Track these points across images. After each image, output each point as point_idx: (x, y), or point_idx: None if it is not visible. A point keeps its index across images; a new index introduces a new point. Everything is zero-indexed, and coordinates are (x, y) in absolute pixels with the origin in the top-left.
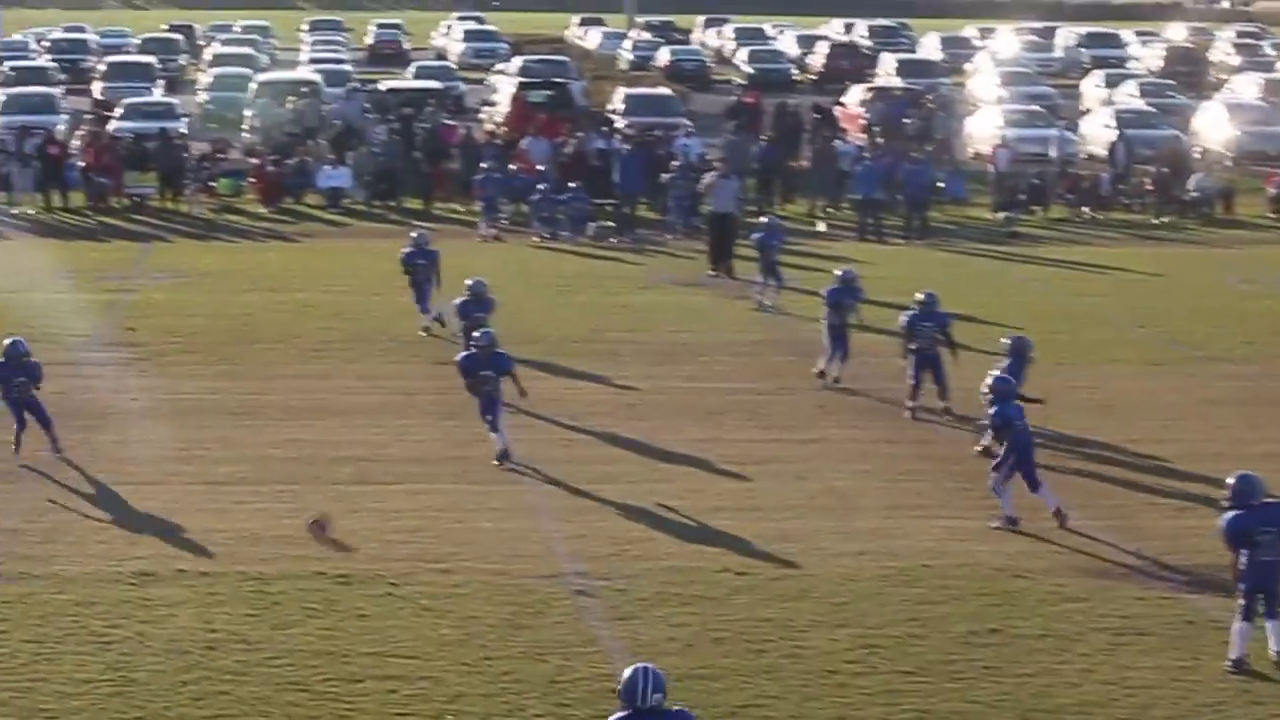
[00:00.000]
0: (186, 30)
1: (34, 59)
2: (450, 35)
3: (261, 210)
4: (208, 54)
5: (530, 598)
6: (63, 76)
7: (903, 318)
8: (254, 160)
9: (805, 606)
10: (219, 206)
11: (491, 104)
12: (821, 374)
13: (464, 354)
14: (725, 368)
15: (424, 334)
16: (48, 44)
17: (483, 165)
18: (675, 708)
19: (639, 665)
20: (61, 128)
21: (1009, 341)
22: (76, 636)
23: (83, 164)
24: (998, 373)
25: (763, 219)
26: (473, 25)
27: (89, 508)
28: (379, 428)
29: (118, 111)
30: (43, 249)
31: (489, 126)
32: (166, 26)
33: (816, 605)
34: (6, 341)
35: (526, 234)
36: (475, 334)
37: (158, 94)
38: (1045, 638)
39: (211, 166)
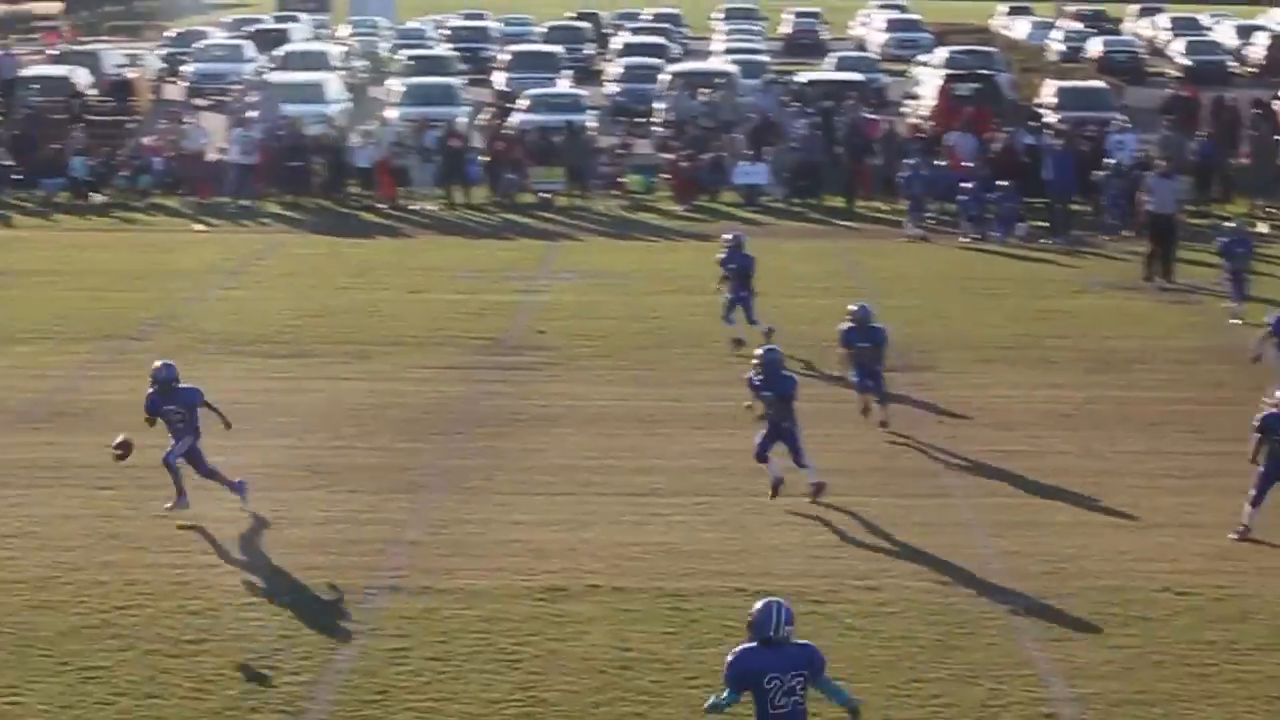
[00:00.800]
0: (592, 18)
1: (433, 47)
2: (870, 24)
3: (675, 208)
4: (615, 43)
5: (961, 617)
6: (463, 66)
7: None
8: (666, 156)
9: (1250, 629)
10: (630, 204)
11: (915, 97)
12: None
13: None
14: (1164, 376)
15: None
16: (447, 31)
17: (908, 162)
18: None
19: (771, 599)
20: (463, 120)
21: None
22: (484, 654)
23: (486, 158)
24: None
25: (1228, 223)
26: (895, 14)
27: (496, 519)
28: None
29: (521, 103)
30: (444, 247)
31: (913, 121)
32: (572, 14)
33: (1262, 628)
34: (156, 364)
35: (953, 234)
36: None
37: (563, 85)
38: None
39: (621, 162)
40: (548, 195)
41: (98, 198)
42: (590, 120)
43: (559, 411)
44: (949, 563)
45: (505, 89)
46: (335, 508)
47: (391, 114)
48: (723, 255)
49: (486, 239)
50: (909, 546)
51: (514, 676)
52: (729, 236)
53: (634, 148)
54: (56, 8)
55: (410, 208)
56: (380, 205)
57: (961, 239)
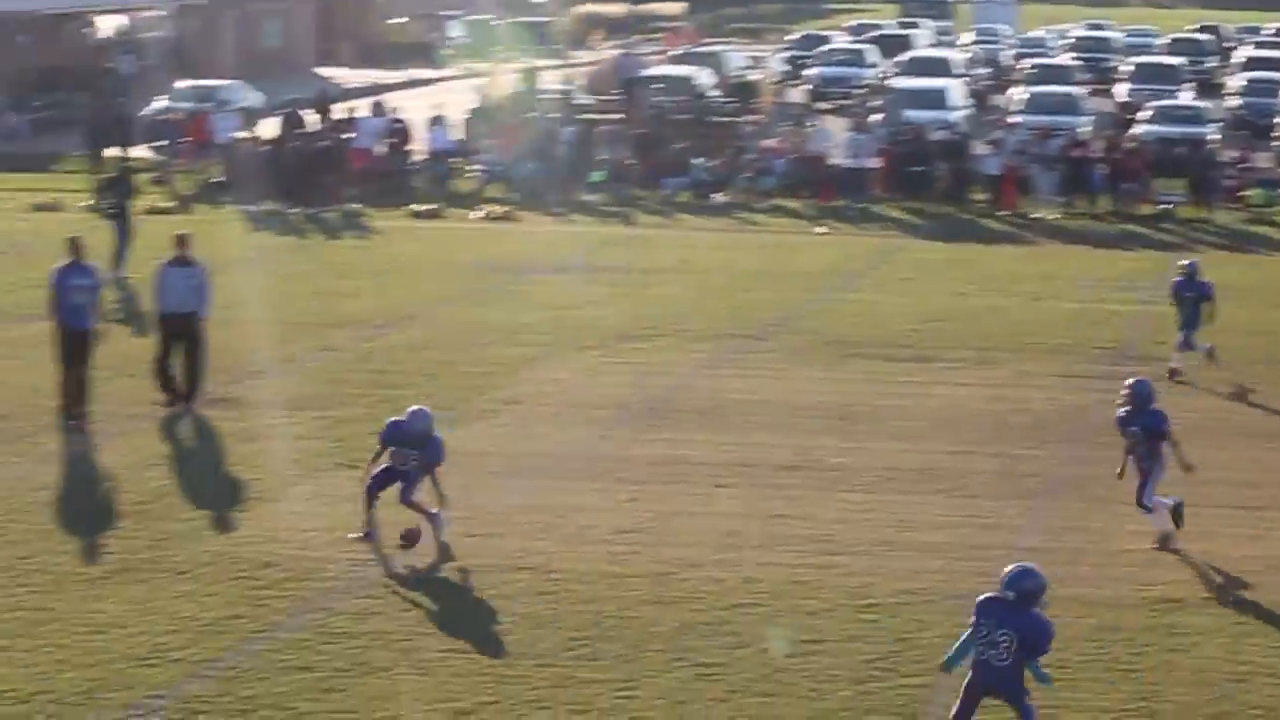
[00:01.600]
0: (1214, 30)
1: (1055, 56)
2: None
3: None
4: (1238, 56)
5: None
6: (1085, 76)
7: None
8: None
9: None
10: (1250, 217)
11: None
12: None
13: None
14: None
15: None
16: (1069, 41)
17: None
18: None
19: None
20: (1085, 129)
21: None
22: (1100, 662)
23: (1107, 168)
24: None
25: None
26: None
27: (1111, 530)
28: None
29: (1143, 114)
30: (1065, 256)
31: None
32: (1194, 27)
33: None
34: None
35: None
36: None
37: (1185, 97)
38: None
39: (1243, 174)
40: (1168, 206)
41: (719, 198)
42: (1212, 133)
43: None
44: None
45: (1127, 99)
46: (953, 513)
47: (1014, 121)
48: (1178, 279)
49: (1107, 248)
50: None
51: (1129, 687)
52: (1186, 263)
53: (1255, 161)
54: (679, 8)
55: (1032, 215)
56: (1002, 213)
57: None
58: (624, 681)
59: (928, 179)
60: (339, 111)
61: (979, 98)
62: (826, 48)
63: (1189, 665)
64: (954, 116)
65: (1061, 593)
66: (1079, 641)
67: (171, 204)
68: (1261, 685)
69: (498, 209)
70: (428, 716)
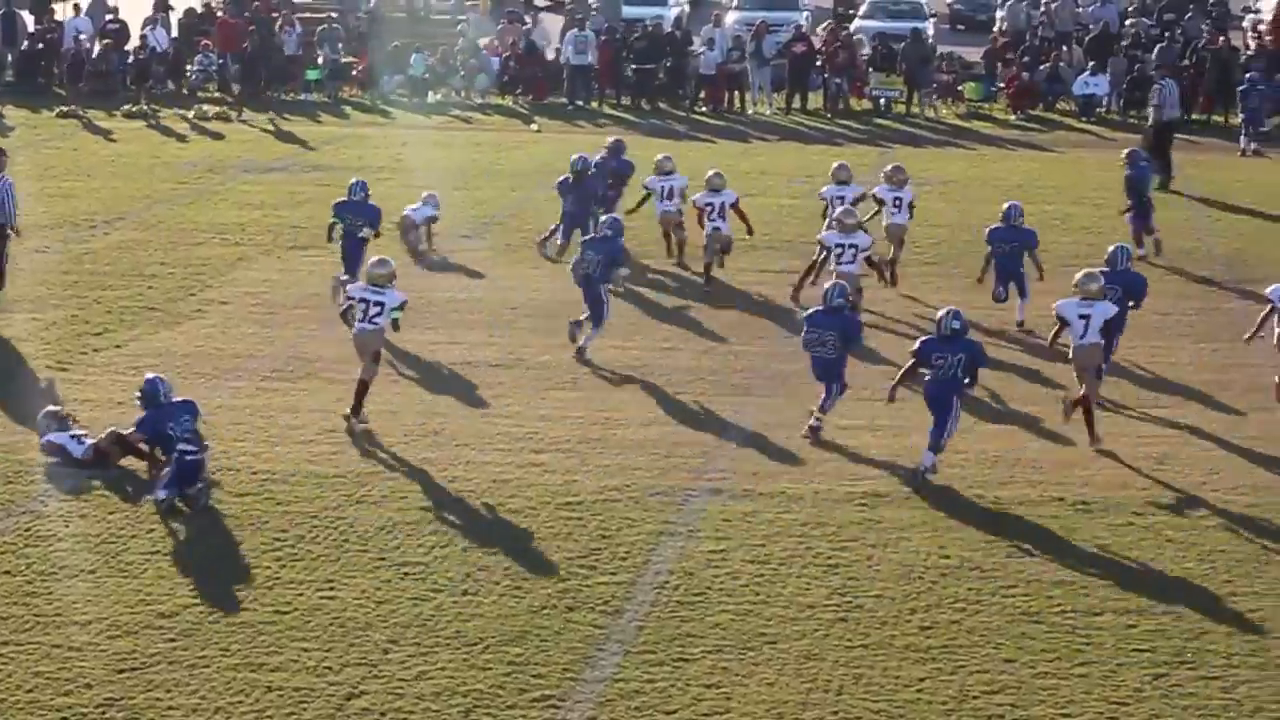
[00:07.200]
0: None
1: None
2: None
3: (1009, 117)
4: None
5: (1278, 533)
6: None
7: None
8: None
9: None
10: (965, 112)
11: (1255, 11)
12: None
13: None
14: None
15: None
16: None
17: (1248, 76)
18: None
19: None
20: (803, 24)
21: None
22: (802, 558)
23: (824, 65)
24: None
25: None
26: None
27: (828, 425)
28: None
29: (862, 9)
30: (781, 152)
31: (1252, 36)
32: None
33: None
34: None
35: None
36: None
37: None
38: None
39: (959, 70)
40: (885, 101)
41: (435, 96)
42: (930, 27)
43: (891, 318)
44: (1269, 479)
45: None
46: (659, 409)
47: (730, 18)
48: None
49: (821, 144)
50: (1235, 459)
51: (832, 581)
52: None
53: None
54: None
55: (750, 112)
56: (720, 110)
57: None
58: (325, 582)
59: (647, 77)
60: (59, 11)
61: None
62: None
63: (893, 559)
64: (671, 13)
65: (766, 488)
66: (783, 537)
67: None
68: (965, 577)
69: (213, 108)
70: (131, 618)
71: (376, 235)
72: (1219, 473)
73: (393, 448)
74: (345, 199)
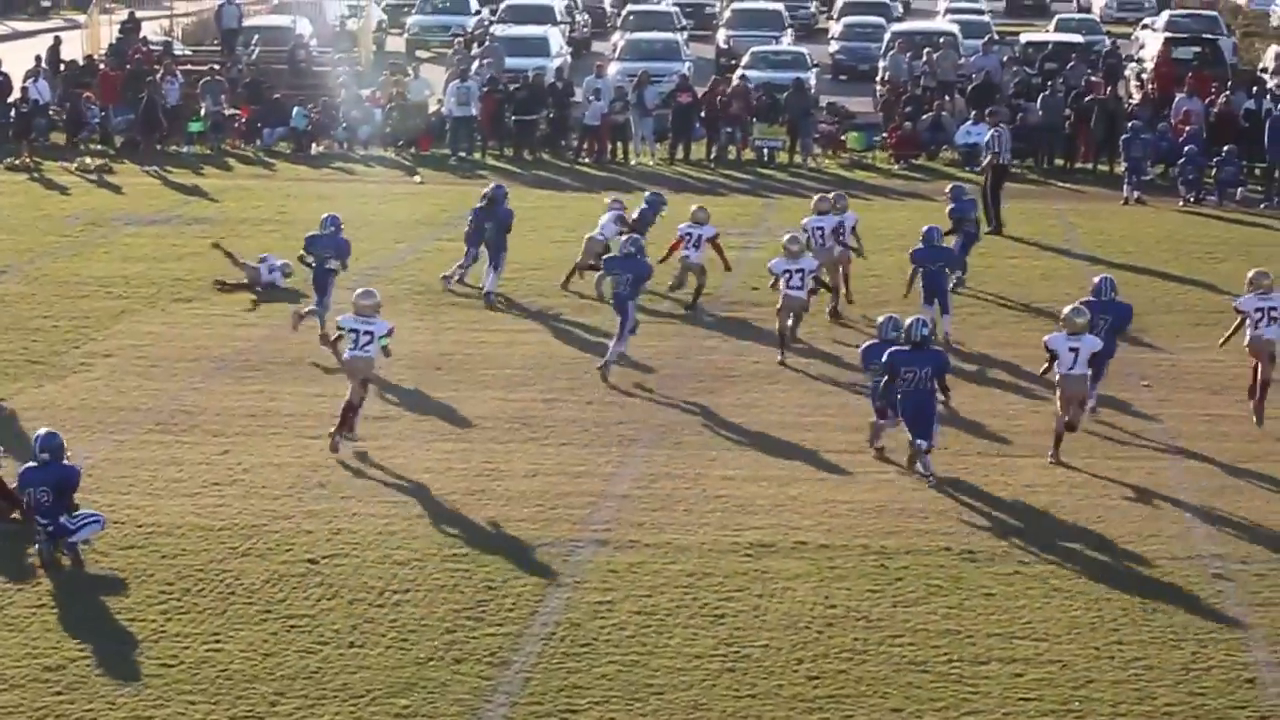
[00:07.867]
0: None
1: (656, 2)
2: None
3: (893, 167)
4: (838, 1)
5: (1165, 579)
6: (685, 22)
7: None
8: (884, 115)
9: None
10: (848, 162)
11: (1138, 61)
12: None
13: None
14: None
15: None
16: None
17: (1130, 125)
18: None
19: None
20: (684, 76)
21: None
22: (688, 609)
23: (706, 115)
24: None
25: None
26: None
27: (704, 475)
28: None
29: (745, 60)
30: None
31: (1135, 84)
32: None
33: None
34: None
35: (1172, 198)
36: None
37: (786, 42)
38: None
39: (842, 120)
40: (768, 151)
41: (317, 148)
42: (812, 78)
43: (773, 368)
44: (1155, 526)
45: (727, 45)
46: (544, 460)
47: (613, 69)
48: None
49: (705, 195)
50: (1117, 509)
51: (718, 632)
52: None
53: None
54: None
55: (632, 162)
56: (602, 160)
57: (1180, 203)
58: (212, 635)
59: (529, 128)
60: None
61: (579, 45)
62: None
63: (779, 610)
64: (554, 65)
65: (652, 539)
66: (669, 587)
67: None
68: (851, 627)
69: (94, 161)
70: (17, 671)
71: (344, 267)
72: (1104, 520)
73: (278, 499)
74: (317, 233)
